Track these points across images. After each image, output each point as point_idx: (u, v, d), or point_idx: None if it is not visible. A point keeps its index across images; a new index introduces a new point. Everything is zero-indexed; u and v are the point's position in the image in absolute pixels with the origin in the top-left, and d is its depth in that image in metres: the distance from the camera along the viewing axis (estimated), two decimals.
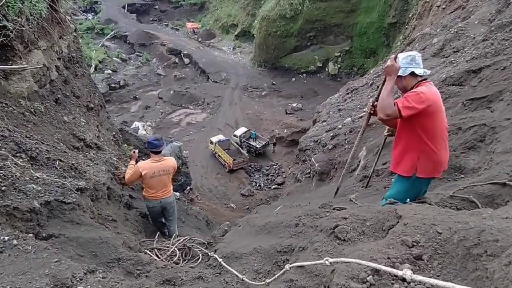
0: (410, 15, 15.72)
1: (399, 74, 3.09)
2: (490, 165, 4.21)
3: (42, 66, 5.08)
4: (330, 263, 1.91)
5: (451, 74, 6.22)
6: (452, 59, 7.36)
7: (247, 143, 31.78)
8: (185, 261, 4.59)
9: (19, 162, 3.83)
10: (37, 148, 4.27)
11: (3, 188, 3.25)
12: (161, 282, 3.63)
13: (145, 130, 28.09)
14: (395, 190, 3.35)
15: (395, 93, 4.60)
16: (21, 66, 4.65)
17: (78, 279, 2.73)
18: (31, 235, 3.06)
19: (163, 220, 5.82)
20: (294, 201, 7.85)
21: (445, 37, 8.58)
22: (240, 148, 31.27)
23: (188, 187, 22.84)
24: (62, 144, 4.95)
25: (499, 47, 5.82)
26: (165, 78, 48.19)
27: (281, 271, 2.54)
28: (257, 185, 28.61)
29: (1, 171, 3.40)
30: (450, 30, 8.79)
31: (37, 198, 3.57)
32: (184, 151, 24.52)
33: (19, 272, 2.53)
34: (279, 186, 27.68)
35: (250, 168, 30.65)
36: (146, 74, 48.77)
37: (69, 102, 6.27)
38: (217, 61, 49.86)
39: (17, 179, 3.52)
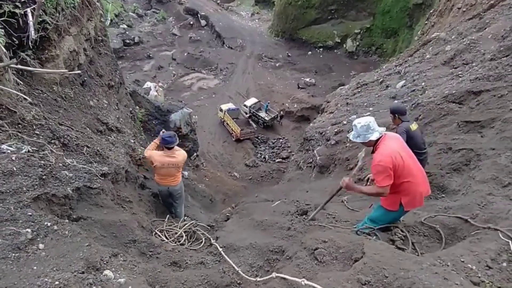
0: (431, 11, 15.52)
1: (361, 141, 3.62)
2: (467, 190, 4.69)
3: (65, 71, 5.42)
4: (305, 284, 2.49)
5: (453, 91, 6.54)
6: (460, 72, 7.60)
7: (256, 114, 32.08)
8: (190, 243, 5.27)
9: (53, 150, 4.41)
10: (68, 135, 4.83)
11: (44, 177, 3.84)
12: (169, 264, 4.32)
13: (156, 91, 28.46)
14: (377, 214, 3.90)
15: None
16: (44, 70, 5.11)
17: (105, 262, 3.38)
18: (67, 220, 3.69)
19: (171, 201, 6.49)
20: (293, 189, 8.45)
21: (457, 47, 8.72)
22: (249, 119, 31.67)
23: (195, 154, 23.61)
24: (88, 129, 5.51)
25: (502, 72, 6.09)
26: (180, 38, 47.81)
27: (269, 276, 3.14)
28: (262, 157, 29.28)
29: (42, 161, 3.99)
30: (464, 40, 8.90)
31: (69, 184, 4.17)
32: (194, 116, 25.07)
33: (61, 255, 3.14)
34: (283, 160, 28.34)
35: (256, 139, 31.19)
36: (161, 33, 48.39)
37: (93, 83, 6.77)
38: (234, 26, 49.10)
39: (53, 167, 4.11)
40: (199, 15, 50.62)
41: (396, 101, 8.48)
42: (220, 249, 4.49)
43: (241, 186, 25.32)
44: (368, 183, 4.53)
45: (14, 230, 3.04)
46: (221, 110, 31.53)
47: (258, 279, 3.44)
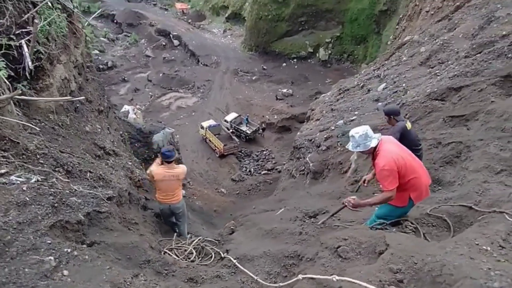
0: (400, 16, 16.33)
1: (361, 150, 3.78)
2: (463, 181, 4.95)
3: (68, 98, 5.46)
4: (337, 280, 2.60)
5: (435, 89, 6.91)
6: (437, 71, 8.04)
7: (238, 128, 32.26)
8: (200, 259, 5.28)
9: (60, 177, 4.38)
10: (71, 162, 4.81)
11: (55, 205, 3.82)
12: (186, 281, 4.32)
13: (135, 114, 28.19)
14: (384, 211, 4.06)
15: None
16: (49, 99, 5.13)
17: (128, 283, 3.38)
18: (84, 246, 3.67)
19: (174, 220, 6.47)
20: (289, 197, 8.57)
21: (431, 47, 9.25)
22: (231, 134, 31.78)
23: None
24: (87, 154, 5.49)
25: (479, 68, 6.51)
26: (154, 60, 47.79)
27: (294, 279, 3.22)
28: (247, 170, 29.32)
29: (51, 189, 3.97)
30: (437, 41, 9.45)
31: (79, 210, 4.14)
32: (176, 136, 24.94)
33: (86, 280, 3.14)
34: (269, 172, 28.53)
35: (240, 153, 31.28)
36: (134, 55, 48.28)
37: (85, 109, 6.75)
38: (207, 44, 49.56)
39: (63, 195, 4.09)
40: (171, 36, 50.90)
41: (380, 103, 8.83)
42: (234, 261, 4.53)
43: (229, 202, 25.16)
44: (365, 184, 4.70)
45: (38, 259, 3.02)
46: (202, 127, 31.54)
47: (281, 284, 3.51)
